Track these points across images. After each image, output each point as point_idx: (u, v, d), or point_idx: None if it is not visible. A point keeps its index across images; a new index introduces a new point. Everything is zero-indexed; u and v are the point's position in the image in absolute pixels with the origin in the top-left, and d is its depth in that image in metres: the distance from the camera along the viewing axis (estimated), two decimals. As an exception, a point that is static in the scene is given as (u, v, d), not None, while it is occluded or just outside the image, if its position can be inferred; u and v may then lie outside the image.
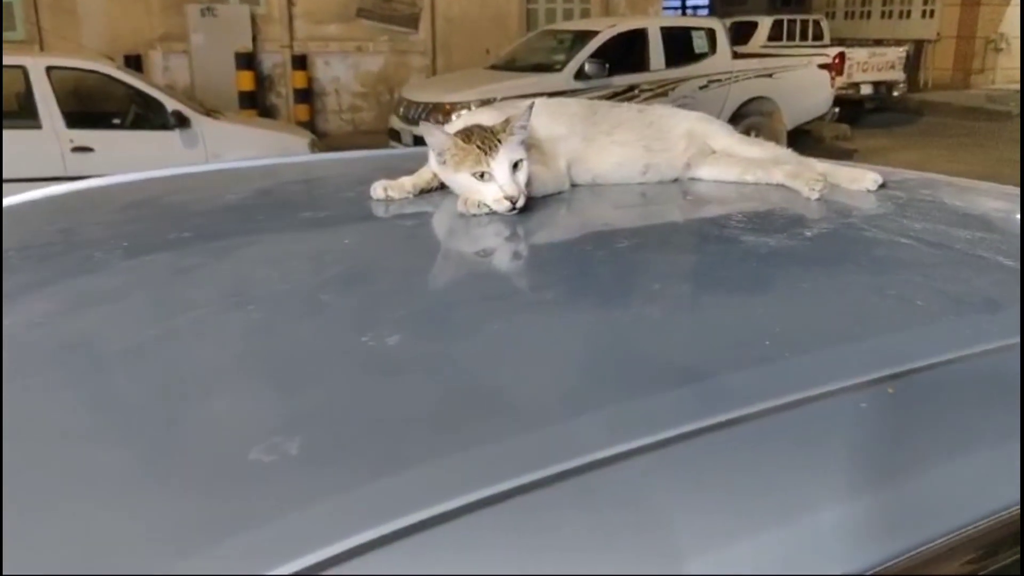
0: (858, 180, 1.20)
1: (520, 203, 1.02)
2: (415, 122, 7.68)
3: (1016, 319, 0.71)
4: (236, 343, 0.68)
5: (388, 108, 9.73)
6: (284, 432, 0.54)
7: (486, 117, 1.09)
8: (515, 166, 1.02)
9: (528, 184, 1.04)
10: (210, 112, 6.45)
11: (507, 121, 1.06)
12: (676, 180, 1.23)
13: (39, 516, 0.47)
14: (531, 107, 1.06)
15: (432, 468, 0.49)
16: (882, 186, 1.20)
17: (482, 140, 1.02)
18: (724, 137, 1.26)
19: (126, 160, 5.29)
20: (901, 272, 0.84)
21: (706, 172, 1.24)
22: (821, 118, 9.60)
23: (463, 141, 1.04)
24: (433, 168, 1.12)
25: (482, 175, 1.02)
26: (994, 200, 1.19)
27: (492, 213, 1.02)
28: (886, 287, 0.80)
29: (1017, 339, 0.66)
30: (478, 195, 1.02)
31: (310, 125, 9.44)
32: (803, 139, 8.55)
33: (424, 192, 1.14)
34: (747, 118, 8.62)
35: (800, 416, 0.55)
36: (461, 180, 1.04)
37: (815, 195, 1.12)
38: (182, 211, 1.15)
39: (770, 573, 0.46)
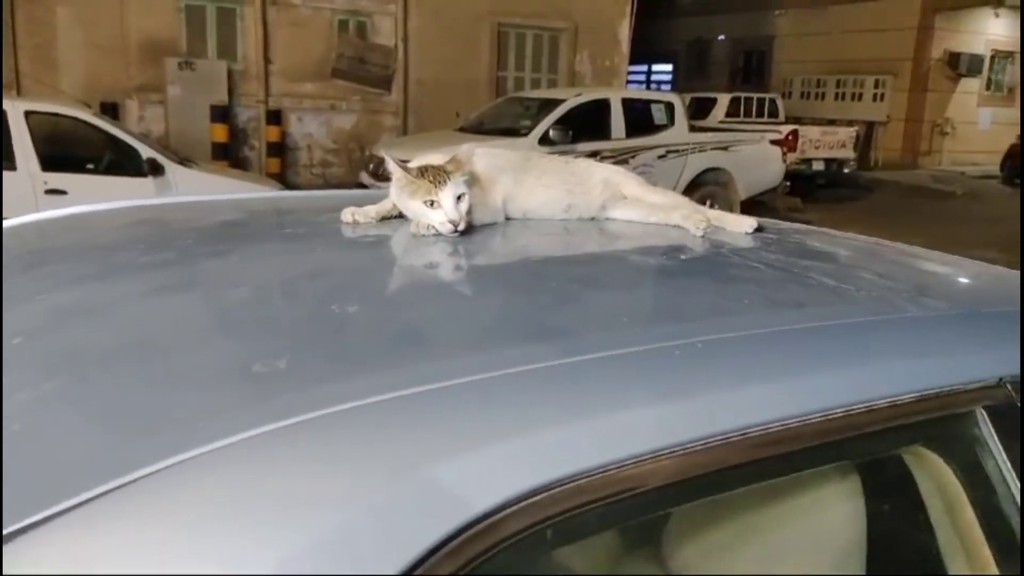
0: (739, 224, 1.49)
1: (461, 227, 1.28)
2: (385, 179, 8.00)
3: (811, 315, 0.99)
4: (241, 310, 0.94)
5: (359, 164, 10.07)
6: (276, 357, 0.79)
7: (437, 159, 1.37)
8: (459, 198, 1.29)
9: (469, 213, 1.31)
10: (184, 161, 6.68)
11: (455, 161, 1.33)
12: (593, 219, 1.51)
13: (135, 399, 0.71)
14: (472, 152, 1.35)
15: (377, 376, 0.74)
16: (759, 230, 1.48)
17: (433, 175, 1.29)
18: (633, 186, 1.55)
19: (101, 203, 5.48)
20: (742, 284, 1.11)
21: (618, 213, 1.52)
22: (773, 190, 10.12)
23: (418, 176, 1.31)
24: (393, 199, 1.39)
25: (432, 203, 1.28)
26: (845, 244, 1.49)
27: (438, 234, 1.29)
28: (726, 292, 1.07)
29: (799, 325, 0.94)
30: (427, 219, 1.29)
31: (281, 177, 9.71)
32: (759, 208, 9.00)
33: (385, 219, 1.41)
34: (703, 187, 9.09)
35: (632, 358, 0.82)
36: (414, 207, 1.31)
37: (700, 232, 1.40)
38: (187, 227, 1.41)
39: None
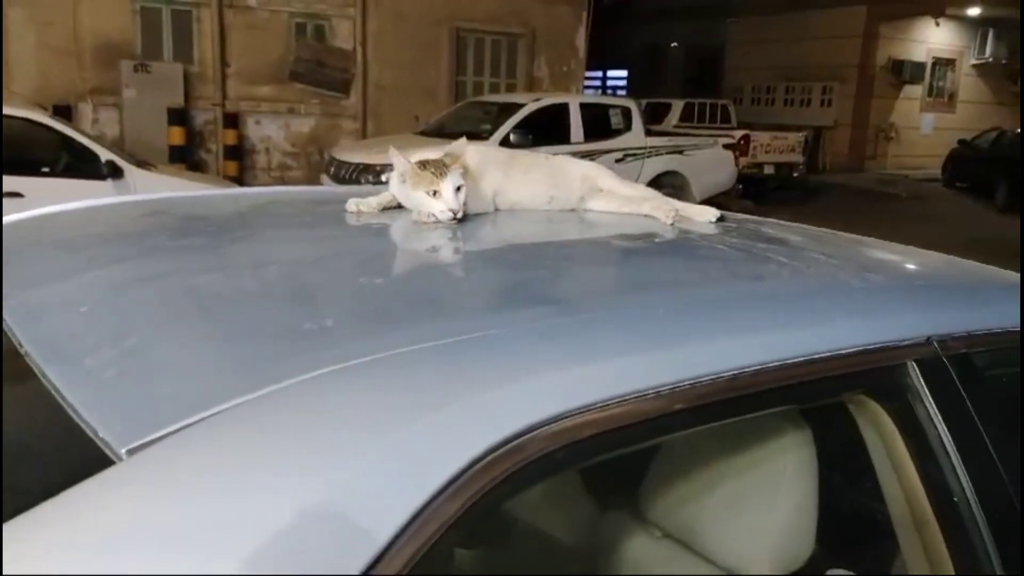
0: (703, 214, 1.66)
1: (459, 215, 1.43)
2: (345, 181, 8.08)
3: (769, 285, 1.16)
4: (282, 282, 1.08)
5: (318, 167, 10.11)
6: (321, 317, 0.93)
7: (436, 154, 1.52)
8: (457, 189, 1.44)
9: (464, 204, 1.46)
10: (142, 164, 6.68)
11: (449, 154, 1.48)
12: (573, 210, 1.67)
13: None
14: (465, 148, 1.51)
15: (410, 331, 0.89)
16: (721, 219, 1.66)
17: (435, 168, 1.44)
18: (609, 179, 1.71)
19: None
20: (708, 261, 1.29)
21: (595, 204, 1.68)
22: (727, 193, 10.41)
23: (420, 168, 1.46)
24: (393, 190, 1.54)
25: (434, 193, 1.43)
26: (799, 232, 1.67)
27: (438, 222, 1.44)
28: (697, 268, 1.24)
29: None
30: (429, 208, 1.43)
31: (239, 181, 9.72)
32: (711, 211, 9.24)
33: (385, 209, 1.55)
34: (660, 190, 9.31)
35: (623, 316, 0.97)
36: (417, 197, 1.45)
37: (669, 221, 1.57)
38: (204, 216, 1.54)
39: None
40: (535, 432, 0.78)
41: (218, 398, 0.72)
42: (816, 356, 1.00)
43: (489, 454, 0.74)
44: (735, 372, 0.93)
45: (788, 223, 1.79)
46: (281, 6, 10.74)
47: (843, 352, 1.02)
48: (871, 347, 1.05)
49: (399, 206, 1.54)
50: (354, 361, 0.78)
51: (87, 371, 0.83)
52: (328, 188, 1.98)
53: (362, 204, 1.51)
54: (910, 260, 1.51)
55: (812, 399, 1.08)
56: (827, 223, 2.24)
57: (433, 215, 1.43)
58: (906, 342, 1.09)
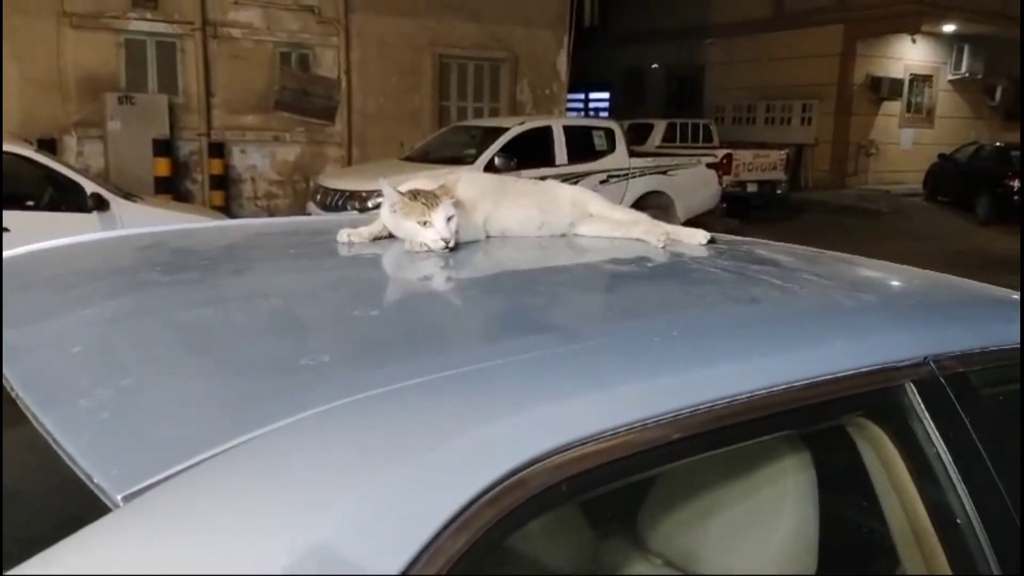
0: (694, 236, 1.66)
1: (451, 244, 1.43)
2: (332, 208, 8.07)
3: (764, 308, 1.16)
4: (275, 317, 1.07)
5: (304, 195, 10.12)
6: (316, 352, 0.91)
7: (426, 183, 1.51)
8: (449, 218, 1.44)
9: (456, 232, 1.45)
10: (128, 196, 6.64)
11: (443, 186, 1.48)
12: (563, 235, 1.67)
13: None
14: (459, 178, 1.50)
15: (401, 367, 0.88)
16: (712, 241, 1.66)
17: (425, 198, 1.44)
18: (598, 204, 1.72)
19: (43, 241, 5.41)
20: (703, 285, 1.28)
21: (585, 229, 1.68)
22: (712, 212, 10.46)
23: (411, 199, 1.46)
24: (384, 220, 1.53)
25: (425, 223, 1.43)
26: (789, 252, 1.68)
27: (430, 251, 1.43)
28: (690, 291, 1.24)
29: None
30: (421, 237, 1.43)
31: (225, 210, 9.69)
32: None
33: (376, 239, 1.54)
34: (645, 210, 9.28)
35: (620, 345, 0.97)
36: (408, 226, 1.45)
37: (661, 245, 1.57)
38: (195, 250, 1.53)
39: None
40: (537, 466, 0.77)
41: (215, 439, 0.71)
42: (814, 380, 0.99)
43: (491, 490, 0.73)
44: (734, 398, 0.93)
45: (778, 243, 1.80)
46: (265, 36, 10.79)
47: (841, 375, 1.02)
48: (869, 369, 1.05)
49: (390, 236, 1.54)
50: (350, 398, 0.77)
51: (81, 414, 0.81)
52: (318, 218, 1.97)
53: (353, 234, 1.51)
54: (903, 279, 1.51)
55: (811, 423, 1.08)
56: (811, 240, 2.25)
57: (425, 244, 1.43)
58: (903, 363, 1.09)
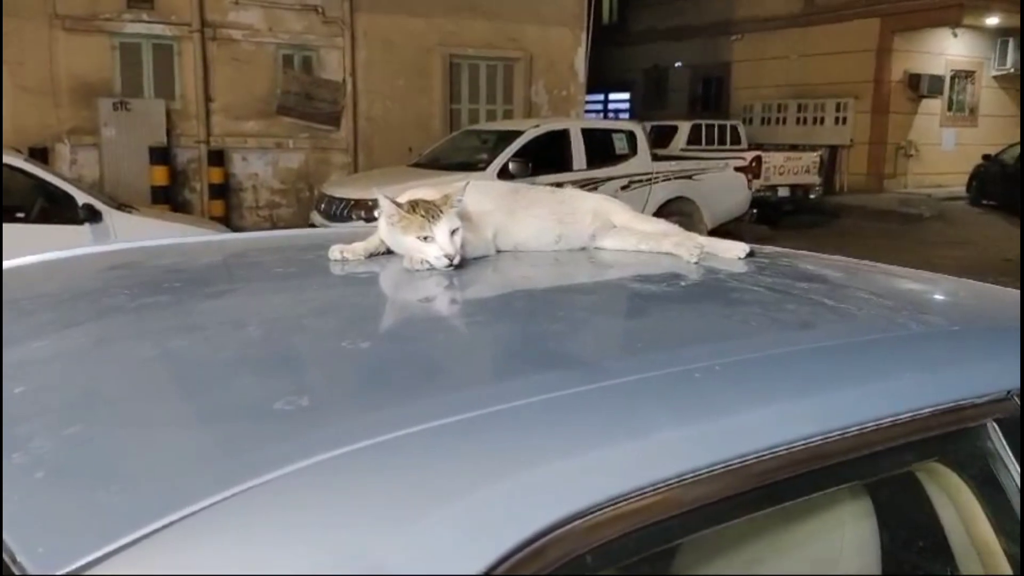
0: (731, 250, 1.56)
1: (456, 260, 1.33)
2: (337, 218, 8.03)
3: (818, 335, 1.05)
4: (257, 348, 0.97)
5: (307, 204, 10.08)
6: (301, 392, 0.82)
7: (426, 193, 1.42)
8: (453, 232, 1.34)
9: (461, 248, 1.36)
10: (122, 206, 6.62)
11: (446, 196, 1.38)
12: (583, 248, 1.57)
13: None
14: (465, 186, 1.40)
15: (390, 411, 0.78)
16: (751, 254, 1.55)
17: (426, 210, 1.34)
18: (623, 214, 1.62)
19: (29, 255, 5.38)
20: (745, 307, 1.18)
21: (608, 242, 1.58)
22: (740, 219, 10.34)
23: (410, 211, 1.36)
24: (381, 234, 1.44)
25: (426, 238, 1.33)
26: (838, 267, 1.57)
27: (432, 269, 1.34)
28: (732, 315, 1.13)
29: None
30: (422, 254, 1.33)
31: (226, 220, 9.69)
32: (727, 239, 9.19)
33: (373, 255, 1.45)
34: (669, 217, 9.26)
35: (654, 383, 0.87)
36: (408, 242, 1.35)
37: (694, 259, 1.47)
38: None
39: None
40: (556, 533, 0.67)
41: (175, 503, 0.62)
42: (881, 422, 0.89)
43: (508, 558, 0.64)
44: (789, 446, 0.84)
45: (826, 256, 1.69)
46: (267, 37, 10.80)
47: (912, 416, 0.92)
48: (944, 407, 0.95)
49: (389, 251, 1.45)
50: (327, 454, 0.68)
51: (13, 472, 0.72)
52: (313, 232, 1.90)
53: (347, 251, 1.42)
54: (971, 296, 1.40)
55: (877, 472, 0.97)
56: (849, 248, 2.13)
57: (427, 262, 1.34)
58: (984, 399, 0.99)
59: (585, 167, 9.03)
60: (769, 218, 11.77)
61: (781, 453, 0.83)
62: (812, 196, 13.31)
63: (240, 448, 0.72)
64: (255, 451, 0.71)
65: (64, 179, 6.54)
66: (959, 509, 1.01)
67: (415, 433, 0.71)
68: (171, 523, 0.61)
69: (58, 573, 0.59)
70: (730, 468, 0.79)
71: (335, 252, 1.42)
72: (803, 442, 0.85)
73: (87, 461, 0.74)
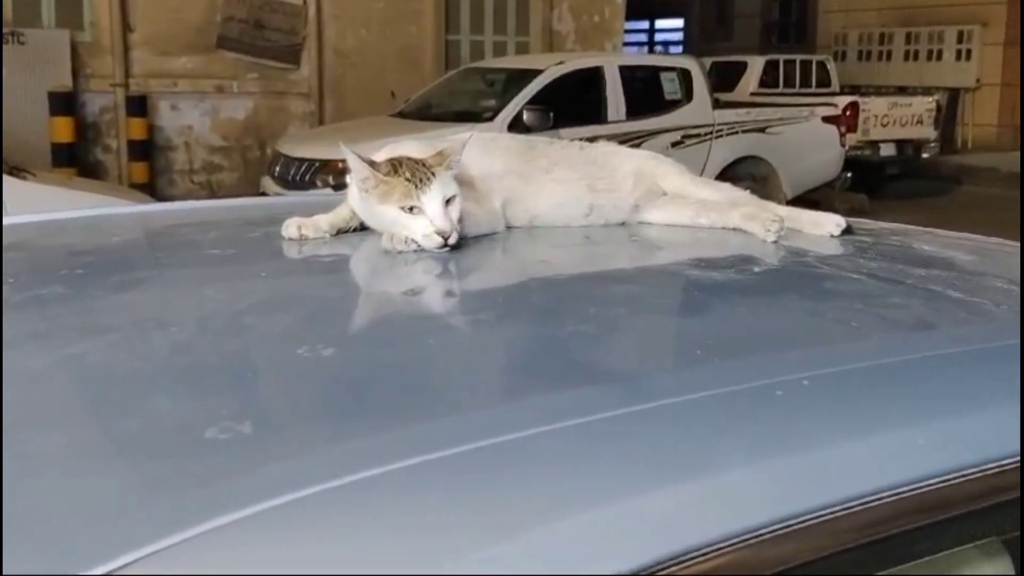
0: (820, 224, 1.54)
1: (452, 240, 1.32)
2: (296, 185, 8.06)
3: (945, 339, 1.03)
4: (194, 354, 0.97)
5: (257, 167, 10.12)
6: (240, 417, 0.81)
7: (414, 149, 1.40)
8: (448, 201, 1.32)
9: (459, 222, 1.34)
10: (14, 170, 6.65)
11: (440, 154, 1.37)
12: (623, 224, 1.55)
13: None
14: (467, 141, 1.38)
15: (358, 442, 0.76)
16: (847, 231, 1.54)
17: (412, 172, 1.33)
18: (675, 177, 1.60)
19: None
20: (843, 300, 1.17)
21: (656, 215, 1.56)
22: (830, 185, 10.34)
23: (391, 173, 1.34)
24: (352, 205, 1.42)
25: (411, 209, 1.32)
26: (966, 247, 1.56)
27: (420, 250, 1.32)
28: (825, 312, 1.12)
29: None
30: (406, 230, 1.32)
31: (150, 188, 9.71)
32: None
33: (341, 232, 1.44)
34: (736, 183, 9.26)
35: (718, 403, 0.85)
36: (387, 214, 1.34)
37: (771, 237, 1.45)
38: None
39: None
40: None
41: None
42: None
43: None
44: (904, 490, 0.82)
45: (949, 233, 1.68)
46: (203, -54, 10.82)
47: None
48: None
49: (362, 227, 1.43)
50: (293, 494, 0.68)
51: None
52: (264, 201, 1.91)
53: (306, 227, 1.42)
54: None
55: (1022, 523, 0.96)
56: (977, 226, 2.11)
57: (413, 240, 1.33)
58: None
59: (624, 117, 9.03)
60: (869, 184, 11.75)
61: (893, 499, 0.82)
62: (925, 155, 13.27)
63: (153, 496, 0.71)
64: (174, 498, 0.69)
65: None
66: None
67: (389, 474, 0.70)
68: None
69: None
70: (823, 520, 0.78)
71: (291, 228, 1.42)
72: (923, 484, 0.83)
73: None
